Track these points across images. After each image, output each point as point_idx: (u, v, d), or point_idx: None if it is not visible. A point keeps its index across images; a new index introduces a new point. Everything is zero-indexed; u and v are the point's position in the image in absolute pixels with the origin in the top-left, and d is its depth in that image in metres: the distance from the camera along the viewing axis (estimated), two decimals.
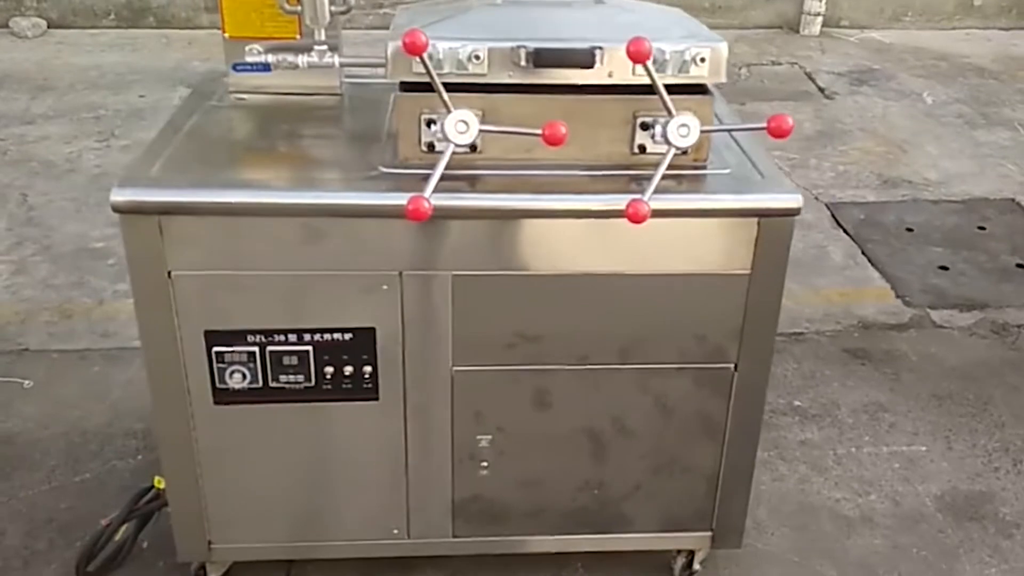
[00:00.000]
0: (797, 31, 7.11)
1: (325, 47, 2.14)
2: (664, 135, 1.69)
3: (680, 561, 2.29)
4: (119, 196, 1.72)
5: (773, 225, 1.83)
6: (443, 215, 1.75)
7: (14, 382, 3.03)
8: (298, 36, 2.22)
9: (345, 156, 1.97)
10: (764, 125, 1.64)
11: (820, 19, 7.06)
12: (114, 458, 2.71)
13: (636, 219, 1.61)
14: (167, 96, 5.63)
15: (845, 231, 4.18)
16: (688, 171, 1.87)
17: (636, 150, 1.87)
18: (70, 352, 3.21)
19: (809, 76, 6.21)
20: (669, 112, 1.67)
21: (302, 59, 2.13)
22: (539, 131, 1.63)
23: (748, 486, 2.15)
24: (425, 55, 1.59)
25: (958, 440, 2.88)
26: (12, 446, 2.74)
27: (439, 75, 1.74)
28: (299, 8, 2.11)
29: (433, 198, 1.70)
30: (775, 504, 2.59)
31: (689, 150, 1.80)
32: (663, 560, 2.32)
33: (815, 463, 2.76)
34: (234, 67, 2.19)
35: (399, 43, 1.74)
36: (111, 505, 2.50)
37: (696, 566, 2.28)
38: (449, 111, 1.64)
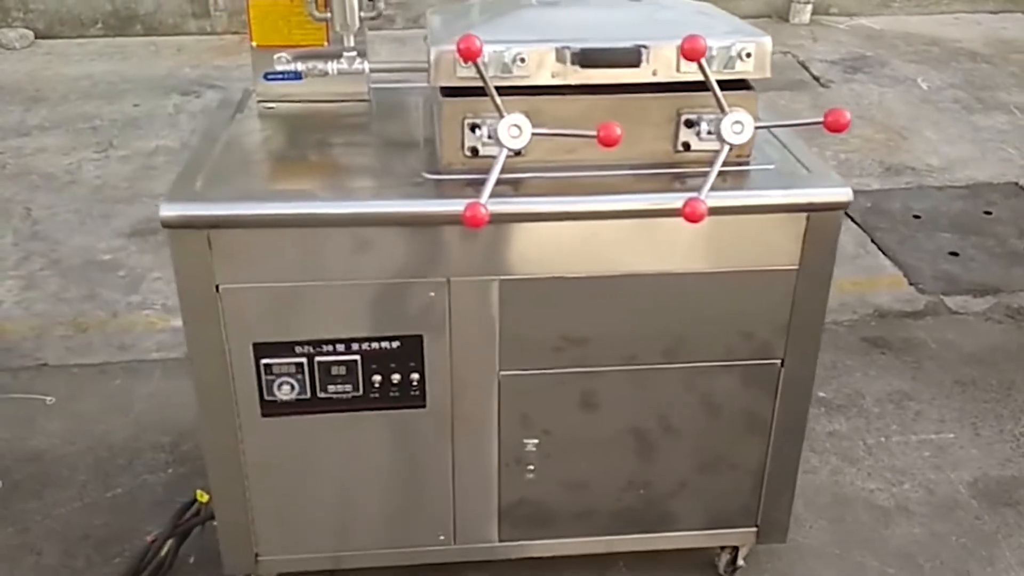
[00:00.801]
0: (787, 20, 7.14)
1: (355, 53, 2.13)
2: (717, 132, 1.68)
3: (724, 558, 2.29)
4: (169, 211, 1.70)
5: (822, 219, 1.83)
6: (491, 220, 1.74)
7: (36, 399, 3.00)
8: (326, 43, 2.20)
9: (385, 163, 1.95)
10: (820, 120, 1.64)
11: (810, 7, 7.09)
12: (144, 472, 2.69)
13: (694, 218, 1.60)
14: (161, 104, 5.60)
15: (853, 220, 4.19)
16: (733, 168, 1.86)
17: (680, 148, 1.86)
18: (89, 366, 3.18)
19: (803, 65, 6.23)
20: (722, 109, 1.67)
21: (332, 66, 2.11)
22: (593, 133, 1.62)
23: (793, 481, 2.15)
24: (480, 60, 1.58)
25: (984, 426, 2.90)
26: (40, 463, 2.71)
27: (467, 79, 1.73)
28: (328, 15, 2.10)
29: (459, 204, 1.69)
30: (810, 497, 2.59)
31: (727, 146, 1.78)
32: (707, 557, 2.32)
33: (845, 454, 2.77)
34: (265, 76, 2.17)
35: (445, 48, 1.74)
36: (146, 520, 2.50)
37: (740, 562, 2.29)
38: (502, 115, 1.63)
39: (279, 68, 2.14)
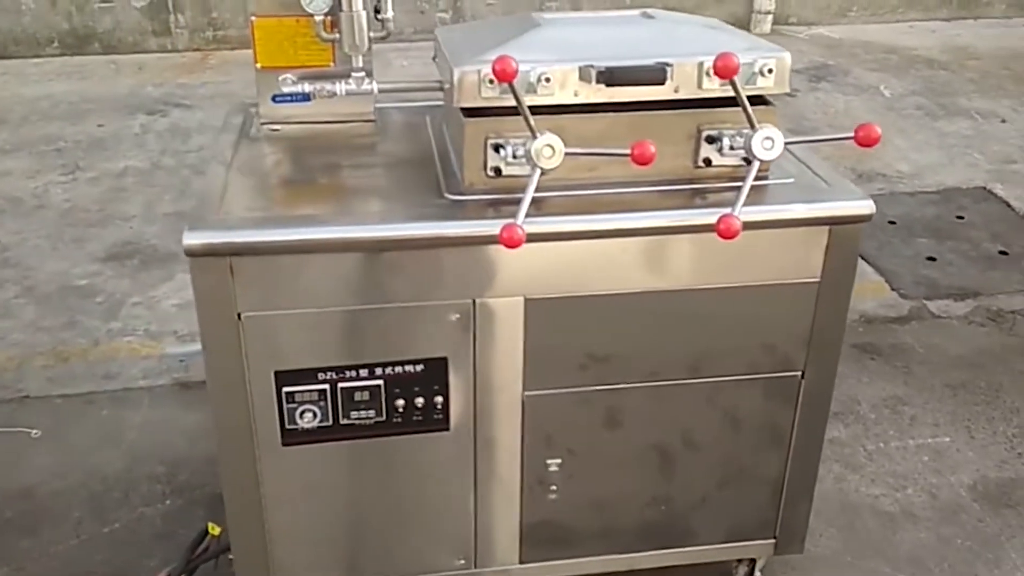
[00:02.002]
0: (748, 30, 7.22)
1: (363, 73, 2.10)
2: (748, 148, 1.68)
3: (742, 570, 2.30)
4: (192, 240, 1.66)
5: (844, 232, 1.85)
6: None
7: (20, 432, 2.91)
8: (332, 63, 2.17)
9: (402, 185, 1.92)
10: (851, 135, 1.65)
11: (771, 17, 7.21)
12: (141, 505, 2.61)
13: (729, 235, 1.60)
14: (127, 124, 5.49)
15: None
16: (754, 182, 1.87)
17: (701, 163, 1.87)
18: (74, 396, 3.09)
19: None
20: (752, 125, 1.67)
21: (340, 87, 2.09)
22: (627, 151, 1.62)
23: (811, 491, 2.16)
24: (515, 81, 1.56)
25: (978, 429, 2.95)
26: (32, 500, 2.63)
27: (506, 99, 1.72)
28: (336, 36, 2.08)
29: (498, 225, 1.68)
30: (818, 505, 2.57)
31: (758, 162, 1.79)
32: (724, 569, 2.32)
33: (847, 461, 2.80)
34: (273, 98, 2.13)
35: (468, 68, 1.72)
36: (148, 555, 2.43)
37: (757, 574, 2.29)
38: (535, 136, 1.62)
39: (286, 89, 2.11)
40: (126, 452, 2.82)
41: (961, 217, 4.40)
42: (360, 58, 2.10)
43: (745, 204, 1.80)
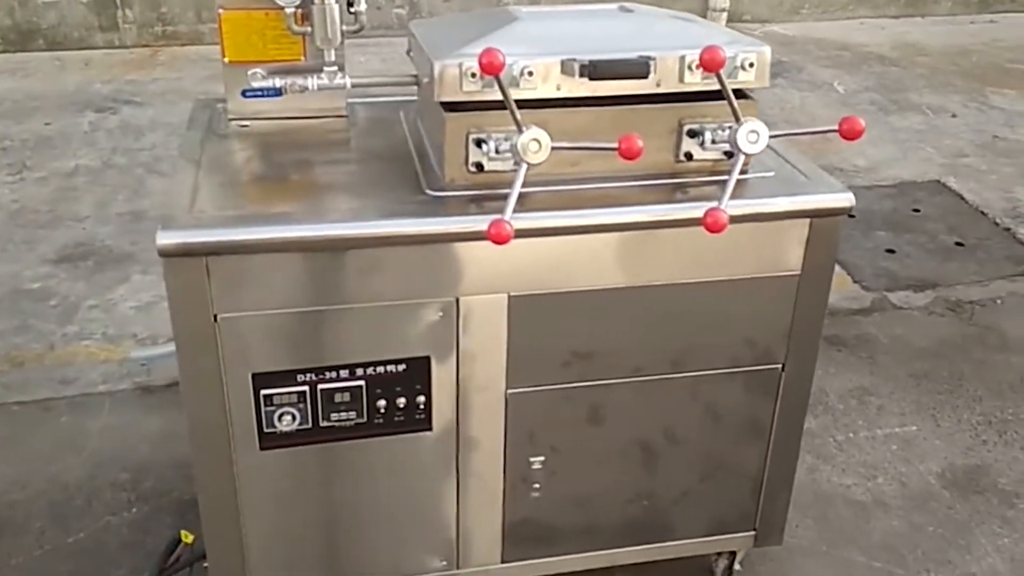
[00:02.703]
0: None
1: (335, 68, 2.06)
2: (733, 142, 1.67)
3: (722, 564, 2.30)
4: (166, 239, 1.60)
5: (825, 224, 1.86)
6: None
7: None
8: (303, 58, 2.13)
9: (382, 181, 1.88)
10: (835, 128, 1.66)
11: (725, 15, 7.26)
12: (106, 513, 2.54)
13: (716, 228, 1.60)
14: (75, 122, 5.35)
15: None
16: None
17: (683, 158, 1.86)
18: (31, 403, 2.99)
19: None
20: (737, 119, 1.67)
21: (312, 82, 2.05)
22: (614, 145, 1.60)
23: (791, 483, 2.17)
24: (502, 74, 1.54)
25: (943, 417, 3.00)
26: None
27: (488, 93, 1.70)
28: (308, 29, 2.03)
29: (483, 220, 1.66)
30: (793, 496, 2.61)
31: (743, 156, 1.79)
32: (703, 563, 2.32)
33: (819, 452, 2.82)
34: (243, 93, 2.08)
35: (449, 62, 1.69)
36: (115, 565, 2.37)
37: (737, 566, 2.30)
38: (521, 130, 1.59)
39: (255, 84, 2.06)
40: (87, 459, 2.74)
41: (917, 210, 4.47)
42: (332, 52, 2.06)
43: (733, 198, 1.80)
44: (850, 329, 3.46)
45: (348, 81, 2.07)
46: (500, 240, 1.54)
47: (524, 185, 1.77)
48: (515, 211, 1.72)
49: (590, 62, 1.70)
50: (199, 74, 6.15)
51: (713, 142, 1.83)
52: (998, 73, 6.53)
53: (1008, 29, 7.57)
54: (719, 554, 2.29)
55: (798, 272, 1.90)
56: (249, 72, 2.07)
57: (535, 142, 1.58)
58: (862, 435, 2.91)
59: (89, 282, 3.71)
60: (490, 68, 1.51)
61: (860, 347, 3.36)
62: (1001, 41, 7.24)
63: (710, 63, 1.57)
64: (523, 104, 1.71)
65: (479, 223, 1.66)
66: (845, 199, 1.84)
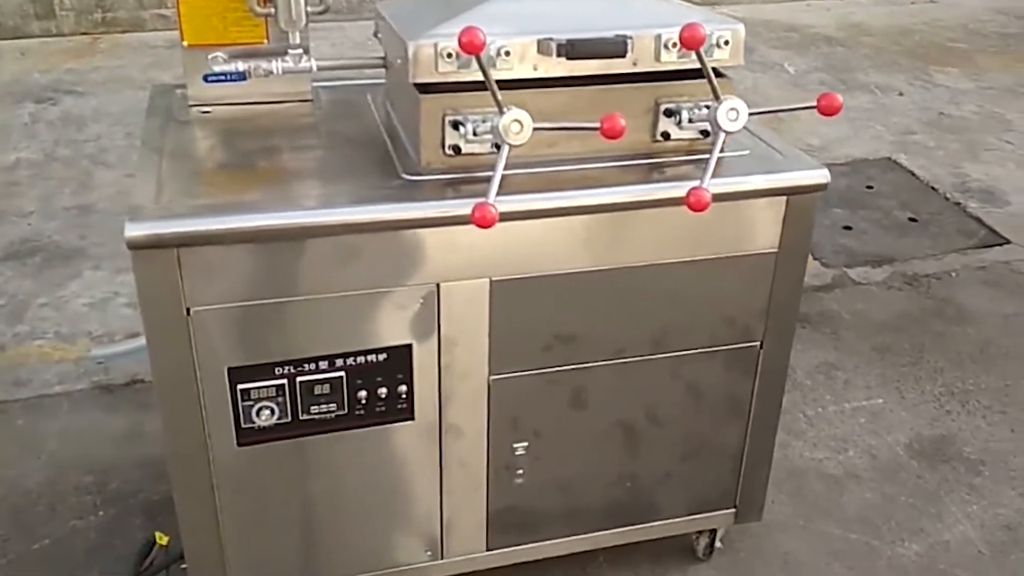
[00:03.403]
0: None
1: (300, 50, 2.01)
2: (713, 120, 1.66)
3: (703, 541, 2.31)
4: (135, 231, 1.54)
5: (801, 201, 1.86)
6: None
7: None
8: (265, 40, 2.07)
9: (355, 166, 1.84)
10: (813, 104, 1.66)
11: None
12: (71, 518, 2.45)
13: (699, 207, 1.59)
14: (15, 113, 5.17)
15: None
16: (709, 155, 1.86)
17: (660, 137, 1.85)
18: None
19: None
20: (716, 97, 1.65)
21: (277, 64, 1.99)
22: (595, 125, 1.58)
23: (770, 459, 2.18)
24: (482, 54, 1.50)
25: (907, 389, 3.04)
26: None
27: (464, 74, 1.66)
28: (271, 10, 1.97)
29: (460, 204, 1.64)
30: None
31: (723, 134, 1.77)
32: (684, 542, 2.33)
33: (789, 427, 2.84)
34: (205, 77, 2.01)
35: (424, 42, 1.65)
36: (84, 570, 2.29)
37: (718, 543, 2.31)
38: (502, 111, 1.56)
39: (217, 68, 2.00)
40: (48, 463, 2.65)
41: (871, 187, 4.53)
42: (297, 34, 2.00)
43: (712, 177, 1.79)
44: (813, 306, 3.50)
45: (314, 64, 2.02)
46: (485, 224, 1.50)
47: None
48: (499, 195, 1.70)
49: (568, 41, 1.67)
50: (142, 62, 5.99)
51: (690, 121, 1.81)
52: (940, 52, 6.64)
53: (947, 9, 7.71)
54: (699, 532, 2.30)
55: (775, 250, 1.90)
56: (210, 56, 2.01)
57: (517, 123, 1.55)
58: (831, 409, 2.94)
59: (37, 280, 3.59)
60: (471, 48, 1.47)
61: (823, 323, 3.40)
62: (941, 21, 7.37)
63: (690, 41, 1.55)
64: (499, 85, 1.68)
65: (460, 207, 1.64)
66: (821, 176, 1.84)
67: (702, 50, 1.61)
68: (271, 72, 1.98)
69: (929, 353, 3.24)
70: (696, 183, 1.63)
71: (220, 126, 2.01)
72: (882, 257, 3.89)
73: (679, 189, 1.68)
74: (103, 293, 3.50)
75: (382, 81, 2.16)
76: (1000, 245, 4.01)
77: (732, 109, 1.65)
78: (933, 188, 4.54)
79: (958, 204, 4.38)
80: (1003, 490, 2.61)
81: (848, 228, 4.12)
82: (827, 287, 3.65)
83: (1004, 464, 2.70)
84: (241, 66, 1.98)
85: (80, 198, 4.24)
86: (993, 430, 2.85)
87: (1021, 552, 2.41)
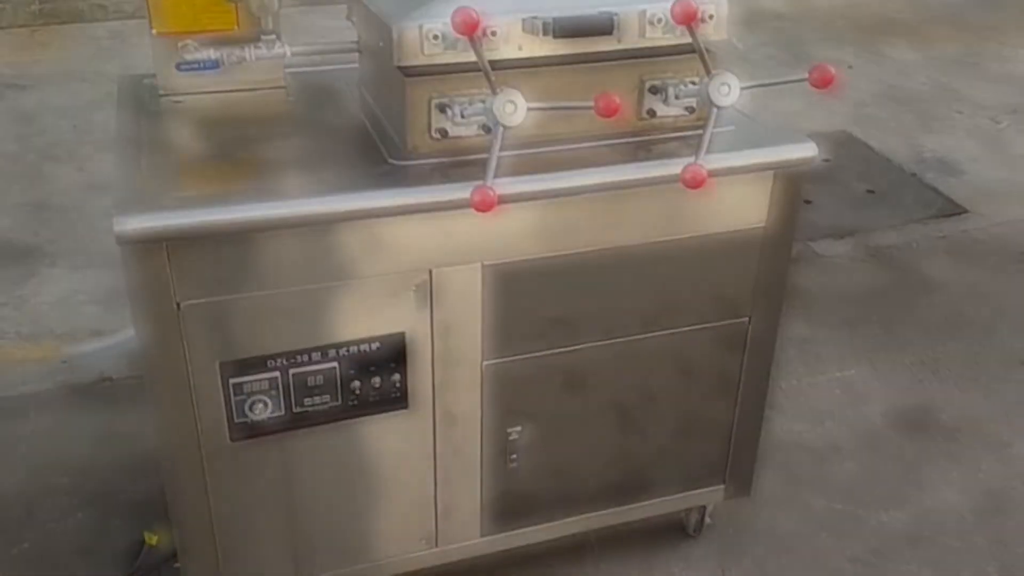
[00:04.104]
0: None
1: (273, 36, 1.97)
2: (706, 95, 1.66)
3: (693, 518, 2.33)
4: (125, 225, 1.49)
5: (789, 176, 1.87)
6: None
7: None
8: (235, 27, 2.01)
9: (340, 153, 1.81)
10: (805, 77, 1.66)
11: None
12: (49, 521, 2.39)
13: (695, 184, 1.59)
14: None
15: None
16: (696, 132, 1.85)
17: (646, 115, 1.84)
18: None
19: None
20: (708, 71, 1.65)
21: (250, 52, 1.96)
22: (590, 104, 1.56)
23: (758, 434, 2.20)
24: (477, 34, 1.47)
25: (879, 360, 3.10)
26: None
27: (447, 56, 1.64)
28: None
29: (455, 188, 1.62)
30: None
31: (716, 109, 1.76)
32: (674, 520, 2.34)
33: (768, 401, 2.86)
34: (178, 67, 1.95)
35: (408, 25, 1.62)
36: (72, 572, 2.23)
37: (708, 519, 2.33)
38: (495, 92, 1.53)
39: (189, 57, 1.95)
40: (20, 466, 2.58)
41: (828, 160, 4.59)
42: (270, 19, 1.96)
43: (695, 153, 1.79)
44: None
45: (288, 50, 1.98)
46: (485, 207, 1.49)
47: (486, 150, 1.72)
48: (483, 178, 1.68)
49: (554, 19, 1.65)
50: (85, 53, 5.83)
51: (676, 98, 1.81)
52: (887, 24, 6.75)
53: None
54: (689, 510, 2.32)
55: (764, 225, 1.91)
56: (180, 44, 1.96)
57: (511, 104, 1.53)
58: (806, 382, 2.98)
59: None
60: (465, 28, 1.45)
61: (792, 296, 3.38)
62: None
63: (683, 15, 1.54)
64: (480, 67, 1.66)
65: (453, 192, 1.62)
66: (809, 149, 1.86)
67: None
68: (244, 59, 1.95)
69: (898, 324, 3.30)
70: (689, 160, 1.62)
71: (195, 116, 1.96)
72: (844, 230, 3.94)
73: (669, 167, 1.68)
74: (62, 291, 3.40)
75: (353, 66, 2.12)
76: (958, 214, 4.10)
77: (724, 84, 1.64)
78: (889, 160, 4.62)
79: (914, 175, 4.46)
80: (981, 456, 2.67)
81: (808, 202, 4.16)
82: (792, 260, 3.65)
83: (980, 430, 2.77)
84: (214, 54, 1.94)
85: (31, 194, 4.12)
86: (966, 397, 2.91)
87: (1004, 516, 2.47)
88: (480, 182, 1.50)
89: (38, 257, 3.64)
